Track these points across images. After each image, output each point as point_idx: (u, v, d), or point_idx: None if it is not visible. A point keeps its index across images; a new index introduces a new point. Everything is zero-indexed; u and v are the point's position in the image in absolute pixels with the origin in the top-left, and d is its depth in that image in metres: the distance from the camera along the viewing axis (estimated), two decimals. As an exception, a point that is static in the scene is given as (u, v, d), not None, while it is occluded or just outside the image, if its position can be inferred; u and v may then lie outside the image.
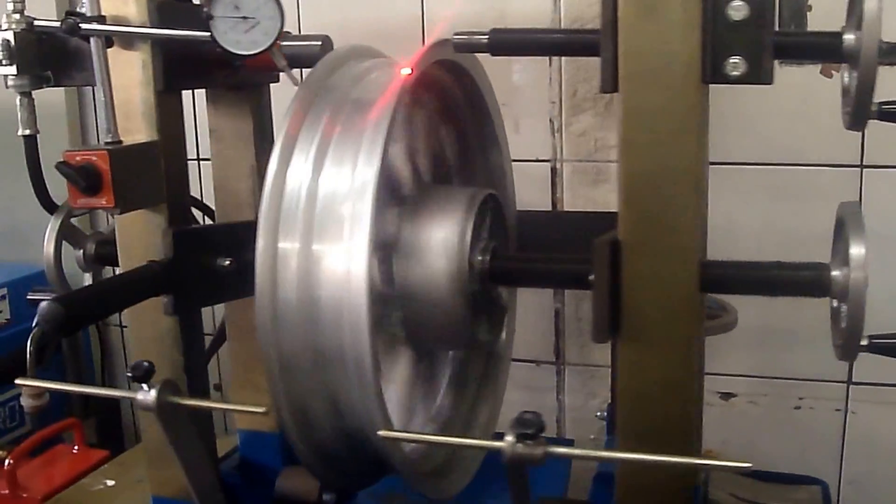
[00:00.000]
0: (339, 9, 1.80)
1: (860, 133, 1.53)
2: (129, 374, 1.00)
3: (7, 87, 1.19)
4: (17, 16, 1.16)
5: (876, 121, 0.93)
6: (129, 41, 1.09)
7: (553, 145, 1.77)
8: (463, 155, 1.36)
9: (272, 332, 0.94)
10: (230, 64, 1.15)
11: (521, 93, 1.77)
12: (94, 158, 1.04)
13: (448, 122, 1.31)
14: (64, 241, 1.30)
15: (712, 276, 0.95)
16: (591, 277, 1.02)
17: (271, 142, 1.01)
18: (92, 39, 1.06)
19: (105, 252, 1.33)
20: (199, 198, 1.51)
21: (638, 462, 0.95)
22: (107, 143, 1.08)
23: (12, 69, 1.16)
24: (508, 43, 1.07)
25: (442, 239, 1.07)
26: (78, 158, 1.05)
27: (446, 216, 1.09)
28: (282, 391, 0.97)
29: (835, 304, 0.95)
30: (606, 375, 1.81)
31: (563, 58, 1.72)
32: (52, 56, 1.17)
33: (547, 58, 1.73)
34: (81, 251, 1.33)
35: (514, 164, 1.74)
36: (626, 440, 0.98)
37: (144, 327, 1.18)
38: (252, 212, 1.24)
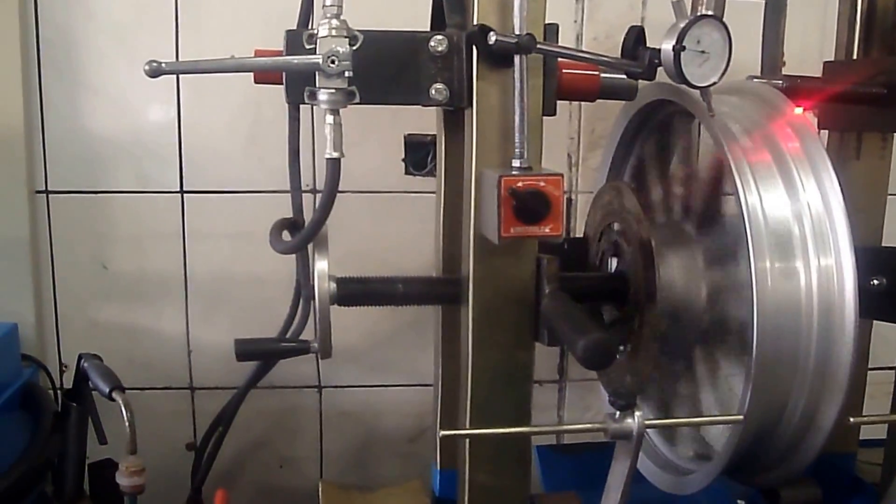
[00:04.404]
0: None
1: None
2: (615, 401, 0.99)
3: (314, 100, 1.04)
4: (337, 21, 1.03)
5: None
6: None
7: (569, 178, 1.92)
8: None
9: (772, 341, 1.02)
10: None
11: (543, 127, 1.89)
12: (542, 184, 0.99)
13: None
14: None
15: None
16: (875, 282, 1.28)
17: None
18: (518, 59, 1.00)
19: (350, 291, 1.19)
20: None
21: None
22: (522, 169, 1.02)
23: (341, 82, 1.03)
24: (802, 89, 1.26)
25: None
26: (520, 185, 0.98)
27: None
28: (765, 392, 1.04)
29: None
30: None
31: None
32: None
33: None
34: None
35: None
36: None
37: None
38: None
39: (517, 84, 1.01)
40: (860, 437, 1.52)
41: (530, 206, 0.97)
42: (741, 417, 1.04)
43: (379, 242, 1.85)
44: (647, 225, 1.17)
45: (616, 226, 1.26)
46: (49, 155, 1.72)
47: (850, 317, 1.03)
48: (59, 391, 1.73)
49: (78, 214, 1.75)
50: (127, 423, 1.32)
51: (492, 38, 0.98)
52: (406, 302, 1.20)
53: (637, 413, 0.99)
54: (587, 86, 1.17)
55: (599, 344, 0.88)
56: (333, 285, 1.18)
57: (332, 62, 1.01)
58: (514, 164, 1.03)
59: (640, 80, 1.16)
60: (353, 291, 1.19)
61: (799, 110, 1.12)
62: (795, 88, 1.23)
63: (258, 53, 1.12)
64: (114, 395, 1.34)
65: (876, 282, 1.26)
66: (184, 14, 1.73)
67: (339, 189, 1.86)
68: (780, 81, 1.25)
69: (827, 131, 1.43)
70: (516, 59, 1.00)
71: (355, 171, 1.86)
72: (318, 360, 1.95)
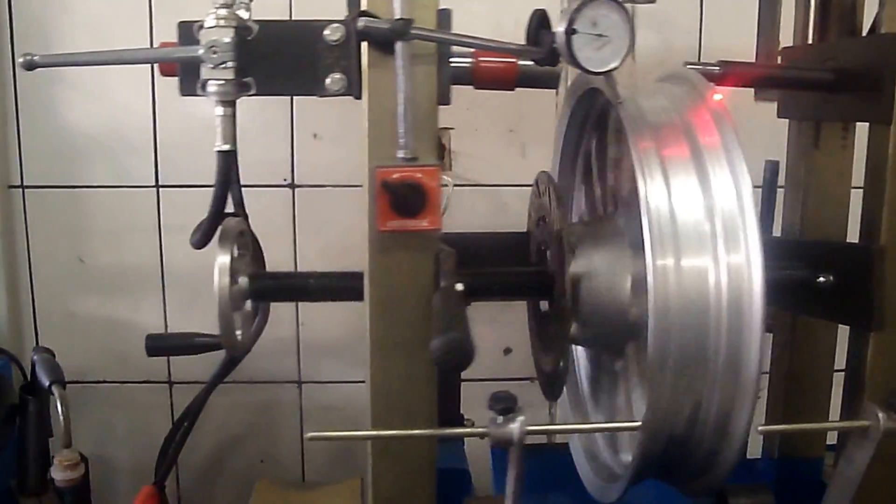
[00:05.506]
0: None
1: None
2: (494, 407, 0.94)
3: (205, 92, 1.02)
4: (225, 11, 1.01)
5: None
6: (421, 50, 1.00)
7: (557, 170, 1.86)
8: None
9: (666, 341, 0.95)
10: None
11: (529, 119, 1.85)
12: (418, 176, 0.95)
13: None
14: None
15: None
16: (821, 279, 1.19)
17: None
18: (399, 45, 0.96)
19: (262, 287, 1.16)
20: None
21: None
22: (406, 160, 0.98)
23: (227, 73, 1.01)
24: (739, 74, 1.19)
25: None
26: (396, 176, 0.95)
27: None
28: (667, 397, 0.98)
29: None
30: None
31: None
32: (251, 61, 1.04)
33: (553, 87, 1.82)
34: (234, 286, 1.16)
35: (521, 187, 1.84)
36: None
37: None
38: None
39: (399, 71, 0.97)
40: (828, 443, 1.43)
41: (405, 198, 0.94)
42: (639, 424, 0.97)
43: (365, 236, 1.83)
44: (561, 217, 1.11)
45: (543, 219, 1.21)
46: (24, 150, 1.75)
47: (758, 316, 0.95)
48: (31, 384, 1.76)
49: (54, 209, 1.78)
50: (62, 418, 1.33)
51: (360, 23, 0.95)
52: (319, 297, 1.18)
53: (519, 418, 0.94)
54: (502, 74, 1.12)
55: (450, 344, 0.84)
56: (245, 280, 1.16)
57: (213, 53, 0.99)
58: (398, 155, 0.99)
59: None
60: (264, 287, 1.17)
61: (718, 97, 1.05)
62: (731, 74, 1.16)
63: (163, 45, 1.12)
64: (52, 388, 1.36)
65: (823, 279, 1.17)
66: (159, 7, 1.75)
67: (323, 183, 1.87)
68: (717, 67, 1.18)
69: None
70: (397, 45, 0.96)
71: (339, 165, 1.85)
72: (298, 356, 1.94)
